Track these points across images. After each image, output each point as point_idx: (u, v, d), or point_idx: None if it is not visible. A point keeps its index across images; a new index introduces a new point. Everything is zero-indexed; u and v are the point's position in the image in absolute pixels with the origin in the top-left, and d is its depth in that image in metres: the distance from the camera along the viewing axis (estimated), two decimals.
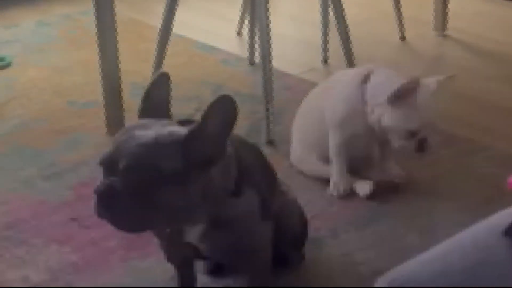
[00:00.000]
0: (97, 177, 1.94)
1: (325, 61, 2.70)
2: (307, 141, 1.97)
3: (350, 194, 1.88)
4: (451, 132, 2.18)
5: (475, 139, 2.14)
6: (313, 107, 1.97)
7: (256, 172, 1.39)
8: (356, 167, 1.92)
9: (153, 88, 1.32)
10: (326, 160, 1.93)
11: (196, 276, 1.54)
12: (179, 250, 1.44)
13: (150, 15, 3.11)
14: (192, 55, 2.76)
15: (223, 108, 1.23)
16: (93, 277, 1.60)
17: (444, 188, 1.91)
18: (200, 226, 1.33)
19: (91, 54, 2.40)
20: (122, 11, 2.77)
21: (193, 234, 1.35)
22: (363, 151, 1.93)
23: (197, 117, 2.34)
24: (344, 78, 1.91)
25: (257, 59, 2.55)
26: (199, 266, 1.56)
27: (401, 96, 1.76)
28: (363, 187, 1.88)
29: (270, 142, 2.12)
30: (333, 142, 1.89)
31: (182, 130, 1.24)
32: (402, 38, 2.88)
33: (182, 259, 1.49)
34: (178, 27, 2.47)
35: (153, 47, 2.38)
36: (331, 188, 1.89)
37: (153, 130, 1.24)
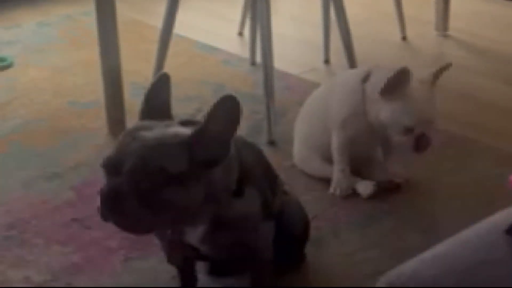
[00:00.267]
0: (99, 177, 1.94)
1: (326, 61, 2.70)
2: (309, 141, 1.97)
3: (352, 194, 1.88)
4: (453, 132, 2.18)
5: (476, 139, 2.13)
6: (316, 107, 1.96)
7: (257, 172, 1.39)
8: (358, 167, 1.92)
9: (154, 89, 1.32)
10: (328, 160, 1.93)
11: (197, 276, 1.53)
12: (180, 251, 1.44)
13: (151, 15, 3.11)
14: (193, 55, 2.76)
15: (227, 108, 1.23)
16: (95, 277, 1.60)
17: (445, 188, 1.91)
18: (201, 226, 1.33)
19: (92, 54, 2.40)
20: (123, 12, 2.77)
21: (194, 235, 1.34)
22: (365, 151, 1.93)
23: (199, 117, 2.34)
24: (346, 79, 1.91)
25: (258, 59, 2.54)
26: (200, 266, 1.56)
27: (394, 89, 1.75)
28: (365, 187, 1.87)
29: (271, 142, 2.12)
30: (335, 142, 1.89)
31: (186, 131, 1.24)
32: (404, 38, 2.88)
33: (183, 260, 1.49)
34: (179, 28, 2.47)
35: (154, 47, 2.38)
36: (333, 188, 1.89)
37: (157, 131, 1.24)
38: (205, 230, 1.33)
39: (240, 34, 2.92)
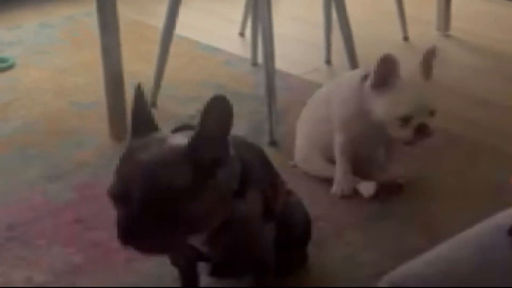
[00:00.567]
0: (101, 178, 1.94)
1: (328, 61, 2.70)
2: (311, 141, 1.97)
3: (354, 194, 1.88)
4: (455, 132, 2.17)
5: (479, 139, 2.13)
6: (317, 108, 1.97)
7: (259, 172, 1.38)
8: (359, 168, 1.92)
9: (137, 104, 1.30)
10: (330, 160, 1.93)
11: (198, 277, 1.53)
12: (183, 253, 1.44)
13: (152, 16, 3.11)
14: (194, 56, 2.76)
15: (218, 109, 1.22)
16: (97, 278, 1.60)
17: (448, 188, 1.91)
18: None
19: (94, 55, 2.40)
20: (124, 12, 2.77)
21: (197, 237, 1.34)
22: (367, 152, 1.93)
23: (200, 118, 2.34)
24: (347, 79, 1.90)
25: (259, 59, 2.55)
26: (202, 268, 1.56)
27: (384, 80, 1.75)
28: (367, 188, 1.87)
29: (273, 143, 2.12)
30: (337, 142, 1.89)
31: (182, 140, 1.23)
32: (405, 38, 2.88)
33: (186, 263, 1.49)
34: (180, 28, 2.47)
35: (155, 48, 2.38)
36: (335, 188, 1.89)
37: (154, 149, 1.22)
38: (207, 232, 1.33)
39: (242, 34, 2.92)
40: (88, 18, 3.06)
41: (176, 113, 2.32)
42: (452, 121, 2.24)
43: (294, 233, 1.54)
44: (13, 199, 1.89)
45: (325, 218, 1.79)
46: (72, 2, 3.30)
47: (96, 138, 2.18)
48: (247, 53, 2.70)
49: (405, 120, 1.75)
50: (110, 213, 1.80)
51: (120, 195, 1.21)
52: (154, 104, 2.35)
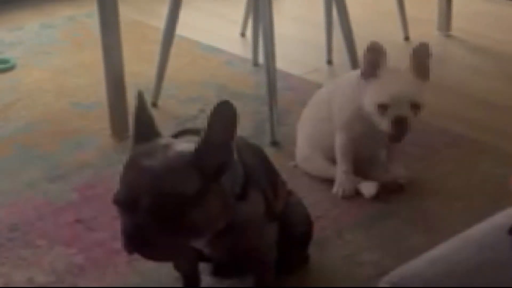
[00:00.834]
0: (102, 179, 1.94)
1: (329, 61, 2.70)
2: (312, 141, 1.97)
3: (355, 194, 1.88)
4: (456, 132, 2.17)
5: (480, 139, 2.13)
6: (318, 108, 1.97)
7: (259, 173, 1.38)
8: (361, 168, 1.92)
9: (140, 110, 1.30)
10: (331, 160, 1.93)
11: (200, 277, 1.54)
12: (186, 257, 1.45)
13: (153, 16, 3.11)
14: (195, 56, 2.76)
15: (224, 115, 1.22)
16: (98, 278, 1.60)
17: (449, 188, 1.91)
18: None
19: (95, 56, 2.40)
20: (125, 13, 2.77)
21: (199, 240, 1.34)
22: (368, 152, 1.93)
23: (201, 118, 2.35)
24: (348, 80, 1.91)
25: (260, 60, 2.55)
26: (204, 268, 1.56)
27: (372, 69, 1.75)
28: (368, 188, 1.87)
29: (274, 143, 2.12)
30: (338, 143, 1.89)
31: (187, 146, 1.23)
32: (406, 38, 2.88)
33: (188, 264, 1.49)
34: (181, 28, 2.47)
35: (156, 48, 2.39)
36: (336, 189, 1.89)
37: (160, 156, 1.21)
38: (210, 234, 1.32)
39: (243, 35, 2.92)
40: (89, 19, 3.06)
41: (177, 114, 2.32)
42: (452, 121, 2.24)
43: (294, 233, 1.54)
44: (15, 200, 1.89)
45: (326, 218, 1.79)
46: (73, 3, 3.30)
47: (97, 138, 2.19)
48: (248, 53, 2.70)
49: (382, 109, 1.75)
50: (111, 214, 1.80)
51: (127, 203, 1.20)
52: (155, 104, 2.35)
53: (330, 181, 1.91)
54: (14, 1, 3.30)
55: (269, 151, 2.01)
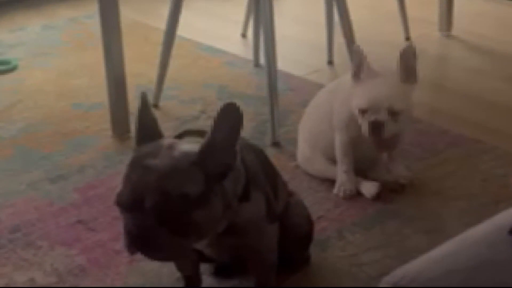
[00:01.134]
0: (103, 179, 1.94)
1: (330, 62, 2.70)
2: (313, 142, 1.97)
3: (356, 195, 1.88)
4: (456, 132, 2.18)
5: (481, 139, 2.13)
6: (320, 108, 1.97)
7: (260, 174, 1.39)
8: (362, 168, 1.92)
9: (143, 111, 1.30)
10: (332, 161, 1.93)
11: (201, 278, 1.54)
12: (188, 258, 1.45)
13: (154, 17, 3.12)
14: (196, 57, 2.76)
15: (230, 117, 1.22)
16: (100, 279, 1.61)
17: (450, 188, 1.91)
18: None
19: (96, 57, 2.40)
20: (126, 14, 2.77)
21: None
22: (369, 152, 1.93)
23: (202, 119, 2.35)
24: (348, 80, 1.91)
25: (262, 60, 2.55)
26: (205, 268, 1.57)
27: (357, 71, 1.77)
28: (369, 188, 1.88)
29: (276, 144, 2.12)
30: (338, 143, 1.89)
31: (192, 148, 1.23)
32: (407, 38, 2.88)
33: (190, 265, 1.50)
34: (182, 29, 2.47)
35: (158, 49, 2.39)
36: (337, 189, 1.89)
37: (164, 156, 1.21)
38: (212, 236, 1.33)
39: (244, 35, 2.93)
40: (90, 20, 3.06)
41: (178, 114, 2.32)
42: (453, 121, 2.24)
43: (295, 234, 1.54)
44: (16, 200, 1.90)
45: (327, 219, 1.79)
46: (75, 4, 3.31)
47: (99, 139, 2.19)
48: (249, 54, 2.70)
49: (362, 113, 1.76)
50: (112, 214, 1.81)
51: (131, 203, 1.19)
52: (156, 105, 2.36)
53: (331, 182, 1.91)
54: (15, 2, 3.31)
55: (270, 152, 2.02)
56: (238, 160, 1.26)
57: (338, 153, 1.89)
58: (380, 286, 1.07)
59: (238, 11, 2.99)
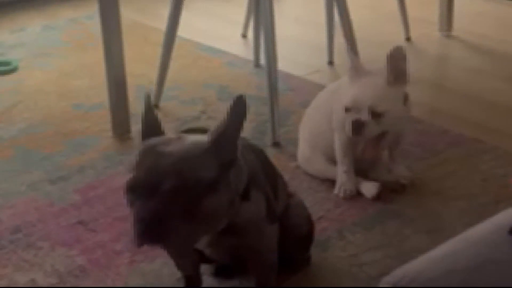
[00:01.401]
0: (103, 180, 1.94)
1: (330, 62, 2.70)
2: (314, 142, 1.97)
3: (357, 195, 1.88)
4: (457, 132, 2.18)
5: (481, 139, 2.13)
6: (320, 109, 1.97)
7: (261, 175, 1.39)
8: (362, 168, 1.92)
9: (147, 112, 1.31)
10: (332, 161, 1.93)
11: (202, 278, 1.54)
12: (188, 257, 1.45)
13: (155, 18, 3.12)
14: (197, 58, 2.76)
15: (240, 109, 1.24)
16: (100, 279, 1.61)
17: (450, 188, 1.91)
18: None
19: (97, 58, 2.40)
20: (127, 15, 2.78)
21: (201, 240, 1.34)
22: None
23: (202, 119, 2.35)
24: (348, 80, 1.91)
25: (262, 61, 2.55)
26: (205, 268, 1.57)
27: (351, 70, 1.80)
28: (370, 188, 1.88)
29: (276, 144, 2.12)
30: (338, 143, 1.89)
31: (202, 138, 1.24)
32: (408, 38, 2.88)
33: (191, 265, 1.50)
34: (183, 30, 2.47)
35: (158, 50, 2.39)
36: (337, 189, 1.89)
37: (176, 144, 1.22)
38: (211, 235, 1.33)
39: (244, 36, 2.93)
40: (90, 21, 3.06)
41: (179, 115, 2.32)
42: (453, 121, 2.24)
43: (296, 234, 1.54)
44: (17, 201, 1.90)
45: (328, 219, 1.79)
46: (75, 5, 3.31)
47: (99, 140, 2.19)
48: (249, 55, 2.71)
49: (347, 112, 1.78)
50: (113, 215, 1.81)
51: (145, 186, 1.19)
52: (156, 106, 2.36)
53: (331, 182, 1.92)
54: (16, 3, 3.31)
55: (270, 152, 2.02)
56: (240, 158, 1.27)
57: (338, 154, 1.90)
58: (380, 286, 1.07)
59: (238, 12, 2.99)
